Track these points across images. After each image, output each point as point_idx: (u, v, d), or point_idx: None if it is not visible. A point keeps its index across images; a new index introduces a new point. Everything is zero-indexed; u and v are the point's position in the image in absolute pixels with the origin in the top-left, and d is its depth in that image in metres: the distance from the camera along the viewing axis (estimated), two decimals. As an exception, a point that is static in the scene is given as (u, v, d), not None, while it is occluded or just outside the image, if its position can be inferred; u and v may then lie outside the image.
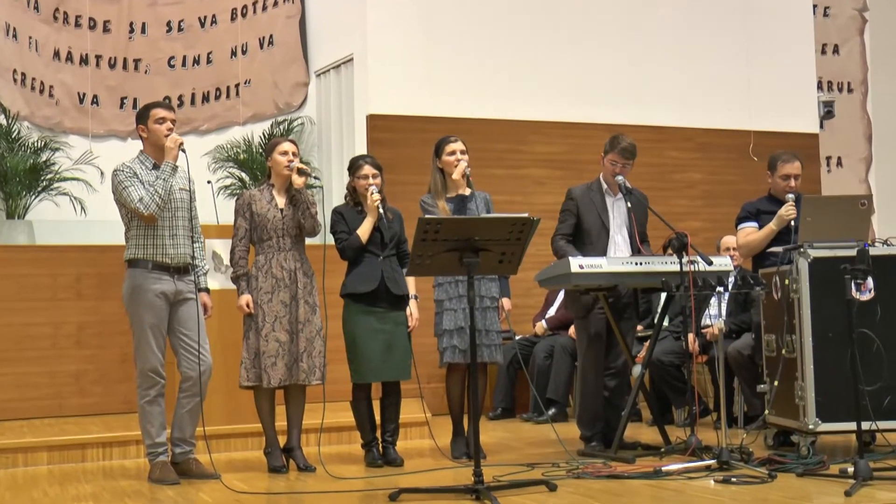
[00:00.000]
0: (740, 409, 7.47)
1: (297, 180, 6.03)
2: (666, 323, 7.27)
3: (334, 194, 9.86)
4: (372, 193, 6.09)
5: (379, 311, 6.11)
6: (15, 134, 9.54)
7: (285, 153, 6.09)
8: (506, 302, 6.41)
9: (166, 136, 5.71)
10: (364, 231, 6.12)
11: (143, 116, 5.79)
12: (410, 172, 8.20)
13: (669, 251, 5.92)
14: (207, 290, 5.97)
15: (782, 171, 6.71)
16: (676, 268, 5.83)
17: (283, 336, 5.96)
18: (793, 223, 6.42)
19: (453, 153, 6.33)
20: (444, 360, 6.26)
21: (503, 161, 9.28)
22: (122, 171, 5.71)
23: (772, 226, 6.53)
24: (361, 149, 8.86)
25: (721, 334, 6.51)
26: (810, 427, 5.76)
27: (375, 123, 8.98)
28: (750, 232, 6.72)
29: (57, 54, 10.12)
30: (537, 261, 7.27)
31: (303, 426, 6.15)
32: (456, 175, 6.27)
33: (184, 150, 5.72)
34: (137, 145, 5.93)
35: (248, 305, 5.97)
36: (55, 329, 7.91)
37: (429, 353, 6.78)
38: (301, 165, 6.07)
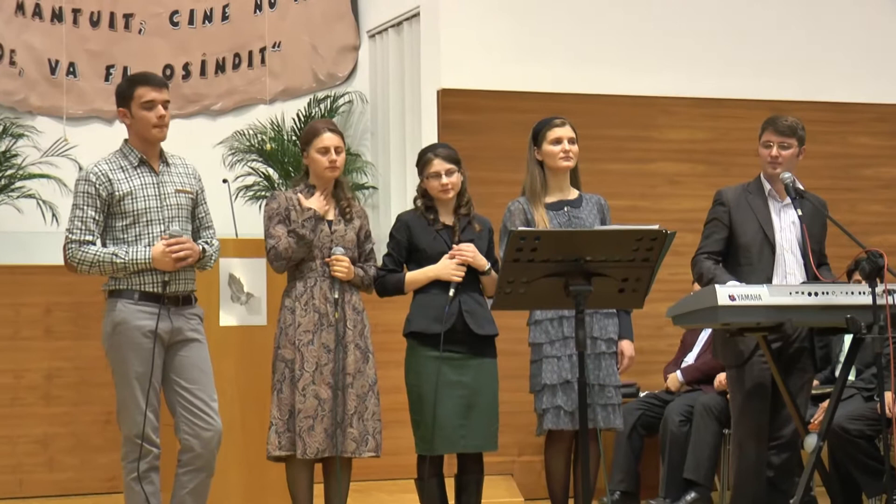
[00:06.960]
0: (959, 500, 7.31)
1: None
2: (852, 377, 7.28)
3: (392, 197, 9.93)
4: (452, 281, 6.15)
5: (456, 357, 6.13)
6: (-37, 116, 9.77)
7: (326, 151, 6.13)
8: (627, 346, 6.41)
9: (156, 126, 5.73)
10: (416, 280, 6.22)
11: (124, 96, 5.82)
12: (495, 168, 8.30)
13: (857, 277, 5.92)
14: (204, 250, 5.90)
15: None
16: (868, 300, 5.74)
17: (324, 392, 6.02)
18: None
19: (559, 141, 6.29)
20: (545, 425, 6.23)
21: (622, 153, 9.28)
22: (86, 180, 5.75)
23: None
24: (430, 135, 8.92)
25: (932, 394, 6.39)
26: None
27: (449, 101, 9.03)
28: None
29: (21, 8, 10.33)
30: (671, 289, 7.43)
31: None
32: None
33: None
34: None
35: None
36: (15, 378, 7.98)
37: (522, 415, 6.83)
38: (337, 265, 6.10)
